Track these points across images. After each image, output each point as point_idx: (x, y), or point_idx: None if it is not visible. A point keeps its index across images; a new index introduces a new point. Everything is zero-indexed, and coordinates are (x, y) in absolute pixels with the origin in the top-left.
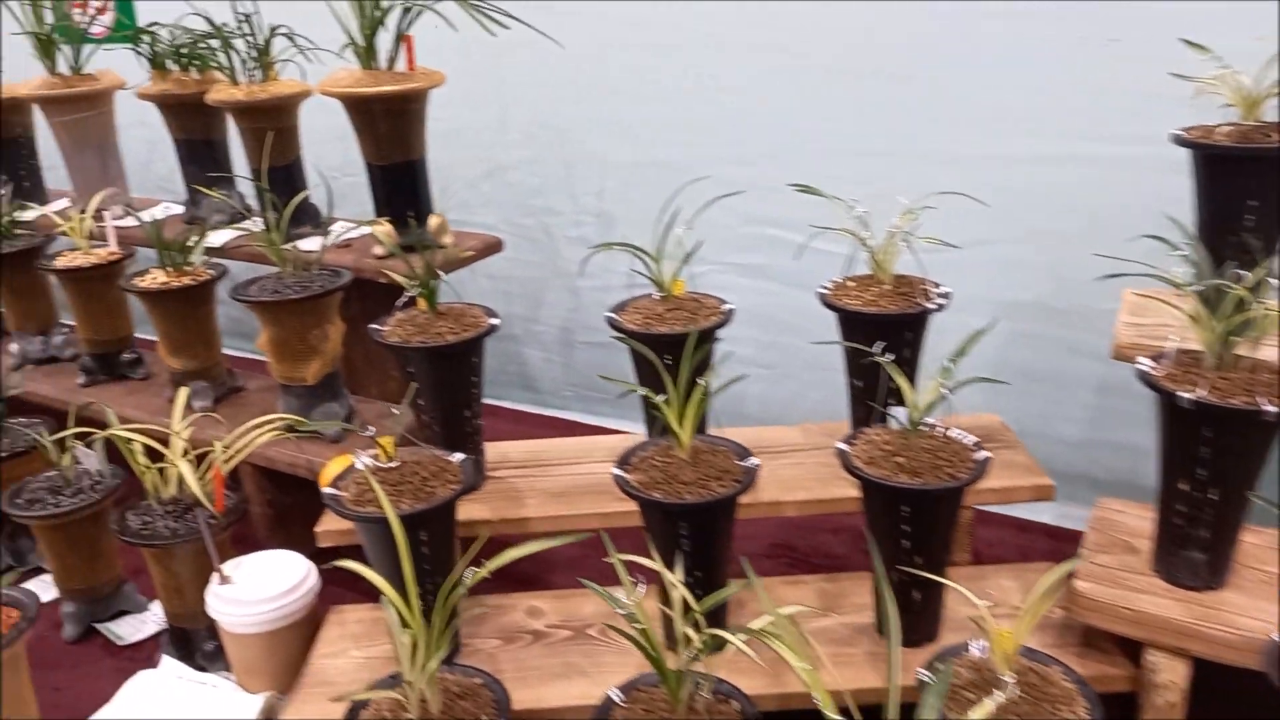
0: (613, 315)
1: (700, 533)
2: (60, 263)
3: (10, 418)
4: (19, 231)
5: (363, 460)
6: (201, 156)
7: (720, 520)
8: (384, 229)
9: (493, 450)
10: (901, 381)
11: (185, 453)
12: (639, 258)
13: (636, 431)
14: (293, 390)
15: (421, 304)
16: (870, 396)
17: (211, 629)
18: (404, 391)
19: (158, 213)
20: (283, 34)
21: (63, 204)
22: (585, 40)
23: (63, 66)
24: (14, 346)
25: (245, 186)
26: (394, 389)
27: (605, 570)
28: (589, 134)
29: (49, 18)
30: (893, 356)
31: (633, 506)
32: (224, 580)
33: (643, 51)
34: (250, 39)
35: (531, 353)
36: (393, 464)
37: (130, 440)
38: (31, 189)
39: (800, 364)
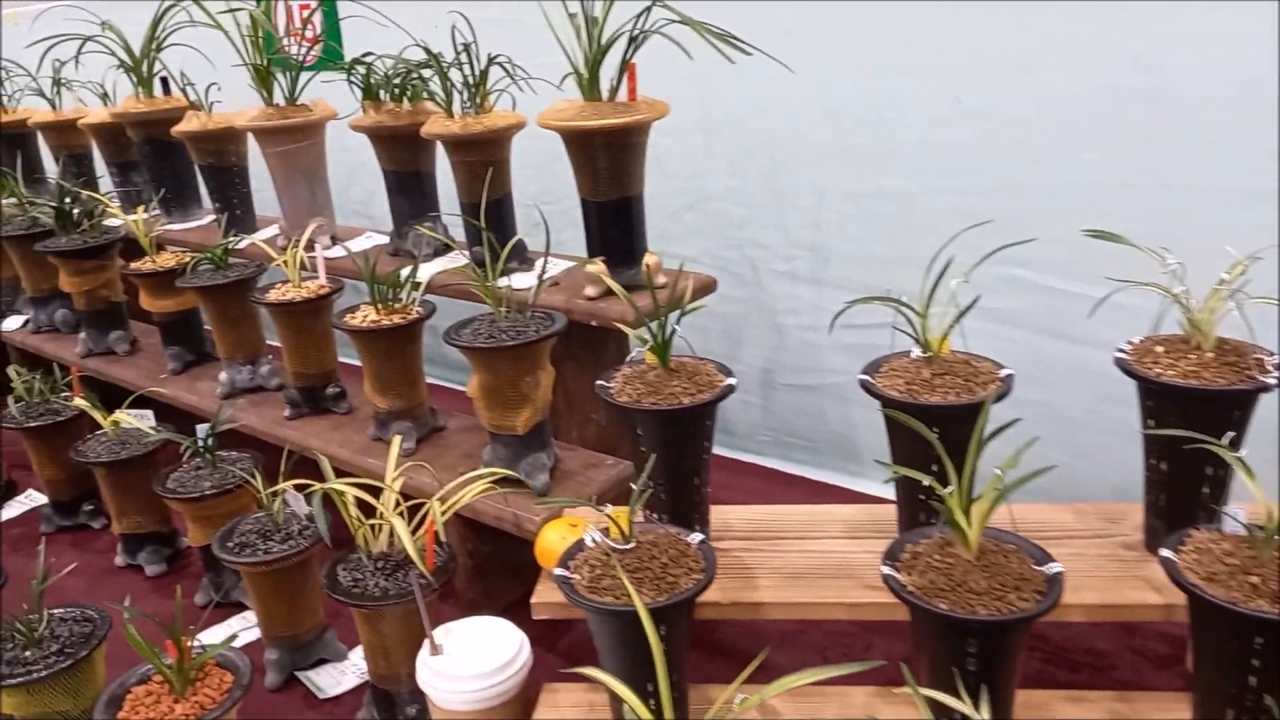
0: (867, 378)
1: (992, 652)
2: (273, 296)
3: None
4: (233, 260)
5: (593, 536)
6: (410, 188)
7: (1017, 638)
8: (598, 268)
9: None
10: (1248, 479)
11: (397, 506)
12: (901, 312)
13: (833, 482)
14: (501, 439)
15: (650, 357)
16: (1179, 485)
17: (416, 692)
18: (604, 438)
19: (363, 243)
20: (500, 64)
21: (270, 231)
22: (805, 60)
23: (278, 97)
24: (223, 375)
25: (448, 219)
26: (593, 434)
27: (824, 645)
28: (805, 161)
29: (261, 49)
30: (1225, 443)
31: (884, 597)
32: (435, 650)
33: (874, 72)
34: (468, 69)
35: None
36: (629, 544)
37: (343, 491)
38: (243, 216)
39: (1054, 424)
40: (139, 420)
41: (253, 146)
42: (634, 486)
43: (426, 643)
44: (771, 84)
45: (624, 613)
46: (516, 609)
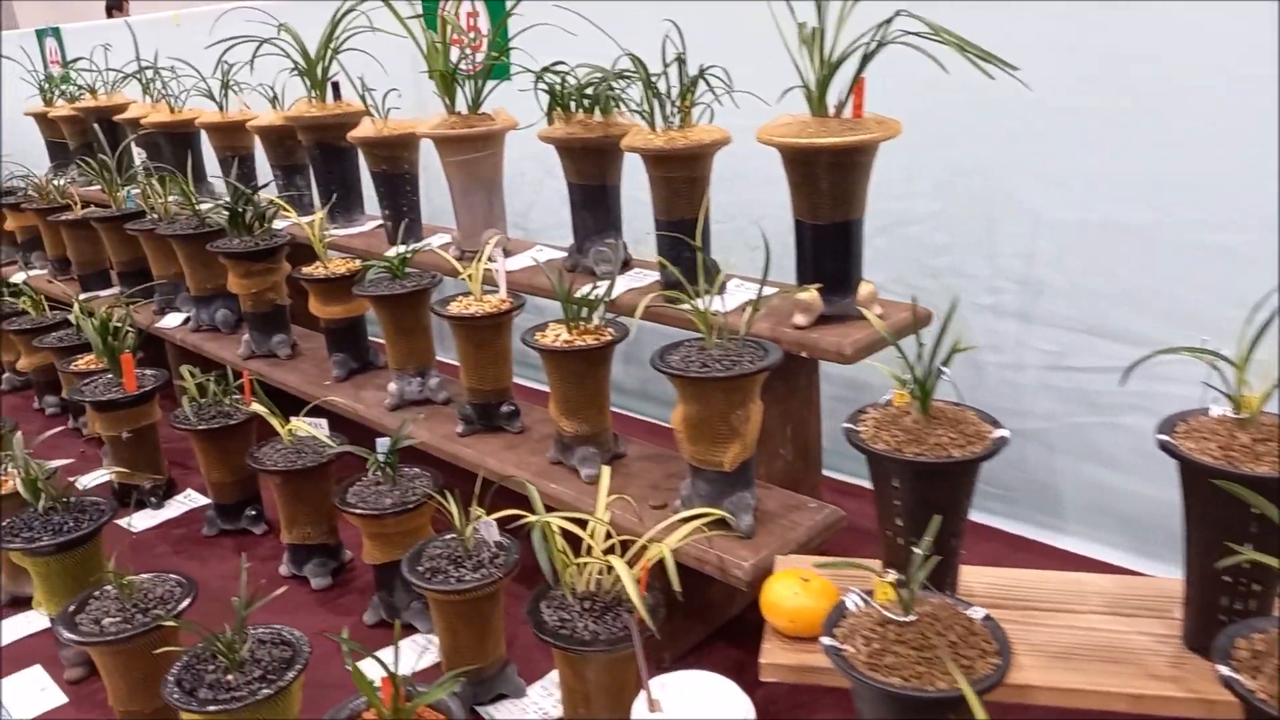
0: (1166, 438)
1: None
2: (454, 309)
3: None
4: (409, 270)
5: (855, 601)
6: (595, 203)
7: None
8: (810, 295)
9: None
10: None
11: (608, 539)
12: (1211, 365)
13: (1031, 536)
14: (704, 475)
15: (900, 399)
16: None
17: None
18: (790, 475)
19: (537, 256)
20: (709, 77)
21: (439, 240)
22: (1029, 76)
23: (459, 105)
24: (392, 386)
25: (627, 237)
26: (780, 470)
27: None
28: (1021, 186)
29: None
30: None
31: (1175, 690)
32: (654, 707)
33: (1107, 92)
34: (668, 81)
35: None
36: (909, 617)
37: (551, 524)
38: (411, 225)
39: None
40: (315, 429)
41: (424, 155)
42: (917, 550)
43: (642, 696)
44: (987, 101)
45: (924, 699)
46: (698, 654)
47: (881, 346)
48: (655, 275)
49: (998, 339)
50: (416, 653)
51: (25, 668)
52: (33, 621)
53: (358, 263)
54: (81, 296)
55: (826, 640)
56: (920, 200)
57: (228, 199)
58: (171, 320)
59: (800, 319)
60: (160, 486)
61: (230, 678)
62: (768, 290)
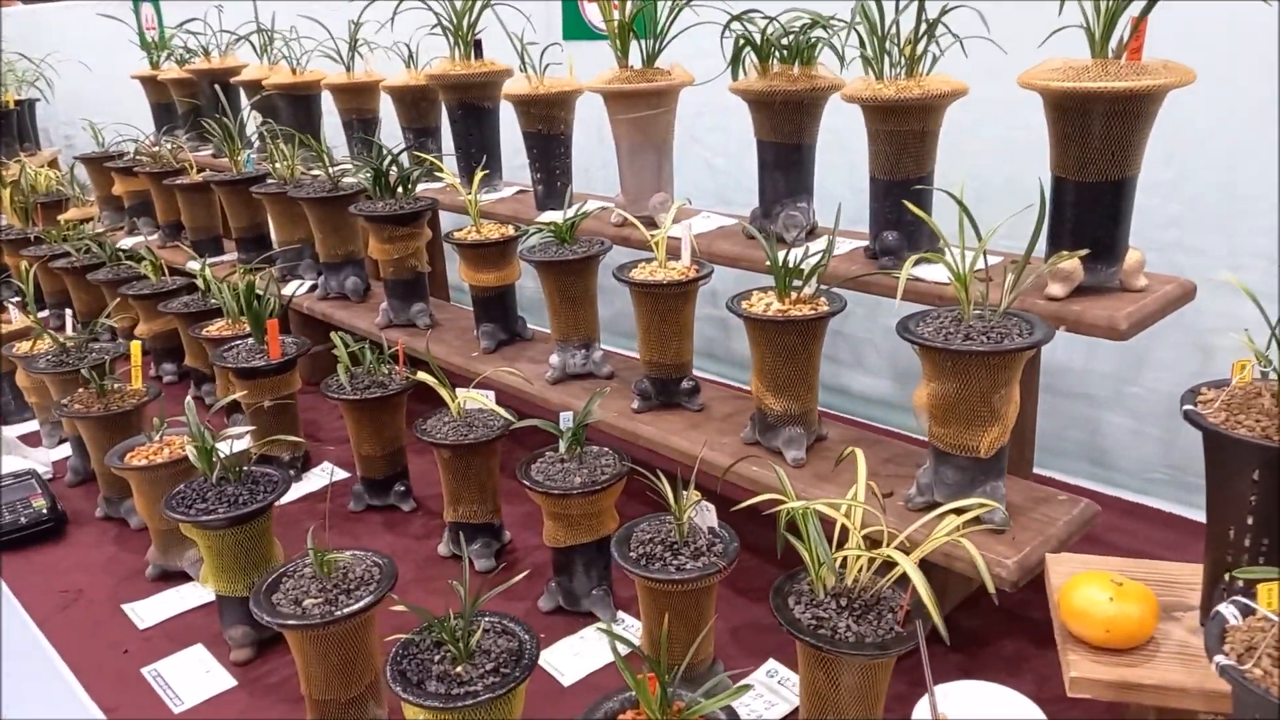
0: None
1: None
2: (637, 275)
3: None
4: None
5: (1231, 610)
6: (789, 163)
7: None
8: (1072, 264)
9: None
10: None
11: (873, 541)
12: None
13: None
14: (952, 461)
15: (1242, 377)
16: None
17: None
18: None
19: (704, 223)
20: (955, 20)
21: (592, 205)
22: None
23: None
24: (554, 358)
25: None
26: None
27: None
28: (1275, 156)
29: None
30: None
31: None
32: (938, 716)
33: None
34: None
35: (1114, 420)
36: None
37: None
38: (563, 188)
39: None
40: (487, 401)
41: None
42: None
43: (923, 703)
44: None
45: None
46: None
47: (1155, 320)
48: (854, 243)
49: (1235, 321)
50: (601, 642)
51: (185, 647)
52: (186, 598)
53: (510, 228)
54: (193, 264)
55: (1222, 660)
56: (1151, 168)
57: (352, 163)
58: (291, 288)
59: (1056, 289)
60: (299, 458)
61: (459, 670)
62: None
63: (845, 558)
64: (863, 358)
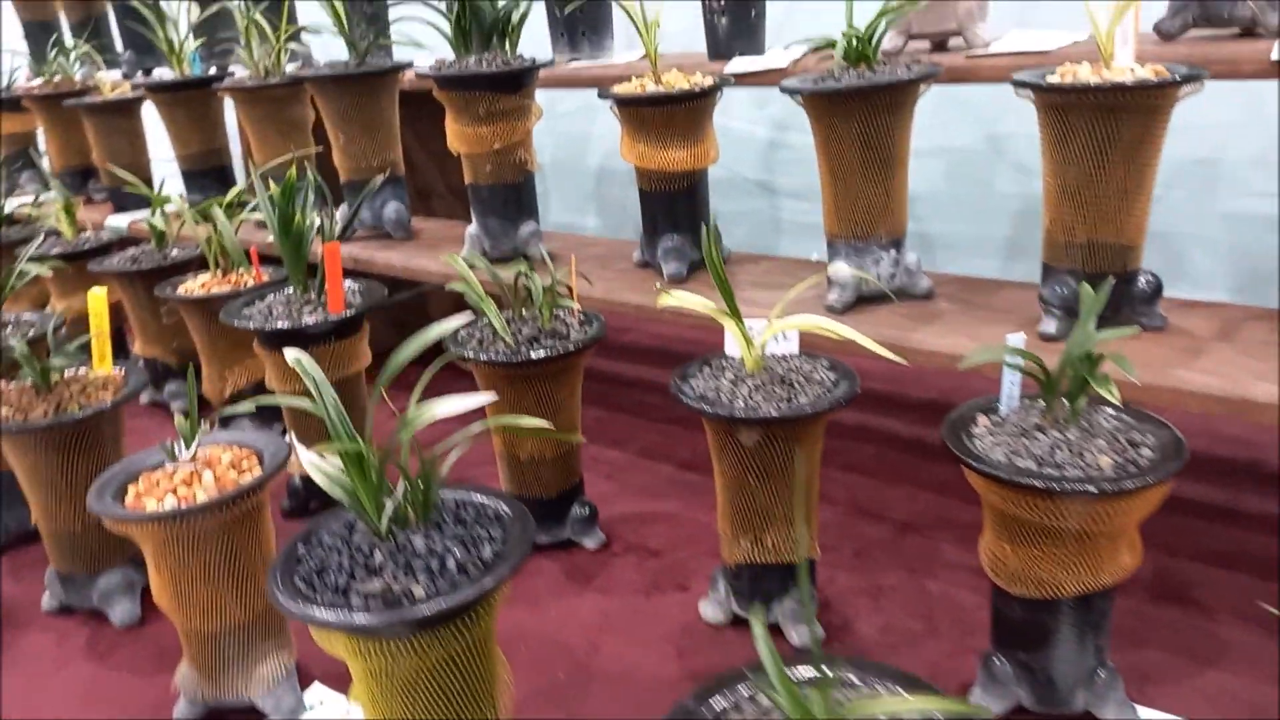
0: None
1: None
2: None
3: None
4: None
5: None
6: None
7: None
8: None
9: None
10: None
11: None
12: None
13: None
14: None
15: None
16: None
17: None
18: None
19: None
20: None
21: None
22: None
23: None
24: (841, 267)
25: None
26: None
27: None
28: None
29: None
30: None
31: None
32: None
33: None
34: None
35: None
36: None
37: None
38: (757, 19)
39: None
40: (829, 329)
41: None
42: None
43: None
44: None
45: None
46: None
47: None
48: None
49: None
50: None
51: None
52: None
53: (707, 78)
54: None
55: None
56: None
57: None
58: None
59: None
60: None
61: None
62: None
63: None
64: None
